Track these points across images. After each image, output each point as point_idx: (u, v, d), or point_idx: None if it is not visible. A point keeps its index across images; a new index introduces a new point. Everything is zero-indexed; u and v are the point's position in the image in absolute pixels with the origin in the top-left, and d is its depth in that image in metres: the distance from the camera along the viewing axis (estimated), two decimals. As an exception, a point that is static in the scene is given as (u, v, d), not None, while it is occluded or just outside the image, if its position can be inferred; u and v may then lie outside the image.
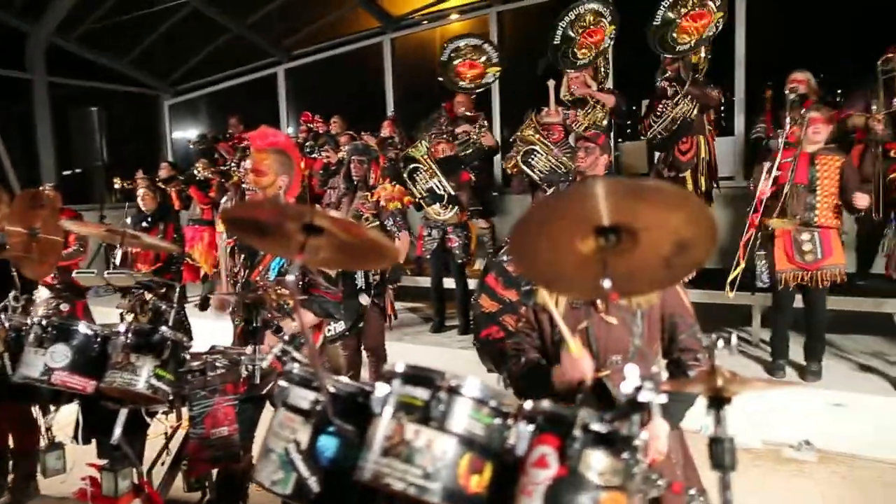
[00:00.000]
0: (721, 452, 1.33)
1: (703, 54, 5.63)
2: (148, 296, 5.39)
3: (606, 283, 1.12)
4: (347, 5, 9.00)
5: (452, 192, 5.70)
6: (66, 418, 2.74)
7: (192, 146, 8.01)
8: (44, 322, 2.30)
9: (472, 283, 6.14)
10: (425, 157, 5.79)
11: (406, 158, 5.95)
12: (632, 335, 2.00)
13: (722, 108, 6.28)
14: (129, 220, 5.87)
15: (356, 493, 1.44)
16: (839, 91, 6.39)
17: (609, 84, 6.33)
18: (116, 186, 6.95)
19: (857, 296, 4.60)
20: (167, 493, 2.70)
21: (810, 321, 4.25)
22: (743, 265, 4.20)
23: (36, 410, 2.86)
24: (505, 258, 3.25)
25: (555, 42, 6.03)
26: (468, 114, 6.57)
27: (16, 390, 2.51)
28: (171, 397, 2.34)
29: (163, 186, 6.74)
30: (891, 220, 4.62)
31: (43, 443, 2.80)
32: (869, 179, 4.68)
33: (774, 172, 4.15)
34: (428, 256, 5.93)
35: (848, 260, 4.31)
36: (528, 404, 1.28)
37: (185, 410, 2.61)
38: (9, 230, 3.00)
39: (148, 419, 2.43)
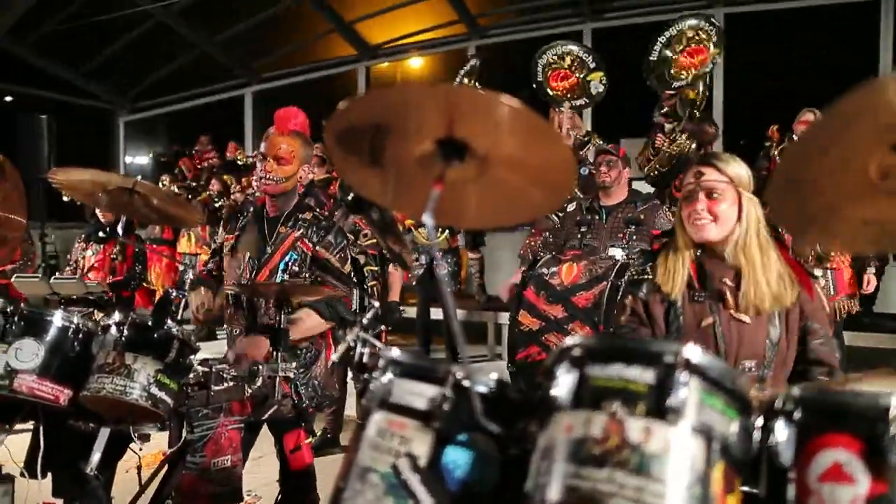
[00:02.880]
0: None
1: (700, 90, 5.54)
2: (98, 314, 4.73)
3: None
4: (322, 30, 8.73)
5: None
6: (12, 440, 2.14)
7: (151, 156, 7.44)
8: (8, 309, 1.75)
9: (460, 314, 5.74)
10: None
11: None
12: (769, 337, 1.66)
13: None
14: (83, 233, 5.33)
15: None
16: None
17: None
18: (66, 199, 6.25)
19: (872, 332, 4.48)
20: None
21: None
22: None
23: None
24: (546, 270, 2.88)
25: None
26: None
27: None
28: (168, 415, 1.83)
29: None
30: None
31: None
32: None
33: None
34: (414, 283, 5.52)
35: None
36: (781, 393, 0.90)
37: (164, 434, 2.10)
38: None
39: (138, 442, 1.88)
